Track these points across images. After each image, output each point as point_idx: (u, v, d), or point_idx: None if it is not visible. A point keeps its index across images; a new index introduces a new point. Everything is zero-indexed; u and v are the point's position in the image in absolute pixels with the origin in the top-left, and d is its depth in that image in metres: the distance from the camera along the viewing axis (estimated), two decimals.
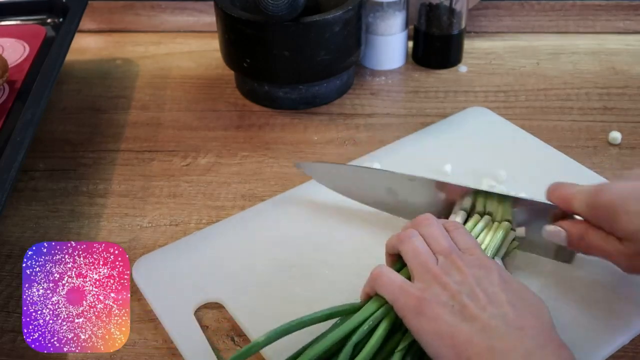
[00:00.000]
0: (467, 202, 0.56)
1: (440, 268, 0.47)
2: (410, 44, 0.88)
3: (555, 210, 0.52)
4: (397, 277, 0.47)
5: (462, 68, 0.86)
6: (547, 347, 0.42)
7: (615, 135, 0.72)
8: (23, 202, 0.67)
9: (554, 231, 0.52)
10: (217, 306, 0.55)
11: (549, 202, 0.53)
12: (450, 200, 0.57)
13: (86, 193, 0.68)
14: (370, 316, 0.47)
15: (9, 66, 0.70)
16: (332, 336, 0.46)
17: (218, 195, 0.67)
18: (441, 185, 0.57)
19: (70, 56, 0.74)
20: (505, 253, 0.54)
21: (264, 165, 0.71)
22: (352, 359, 0.45)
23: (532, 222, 0.54)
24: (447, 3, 0.82)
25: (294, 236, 0.60)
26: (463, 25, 0.84)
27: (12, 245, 0.62)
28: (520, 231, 0.55)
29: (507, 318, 0.43)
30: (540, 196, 0.54)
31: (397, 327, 0.47)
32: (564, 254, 0.55)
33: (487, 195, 0.55)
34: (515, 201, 0.54)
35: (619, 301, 0.53)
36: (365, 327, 0.46)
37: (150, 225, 0.64)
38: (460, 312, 0.43)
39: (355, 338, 0.46)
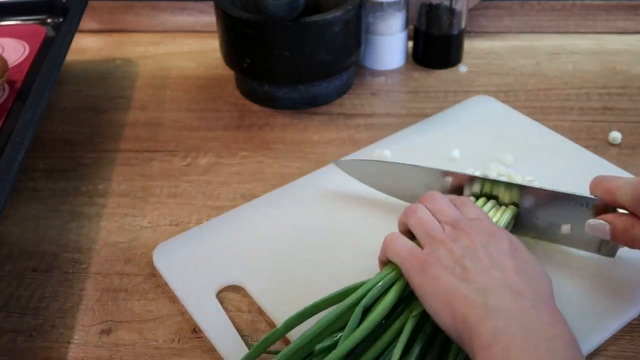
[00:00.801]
0: (505, 197, 0.56)
1: (447, 235, 0.48)
2: (410, 44, 0.88)
3: (598, 204, 0.52)
4: (407, 242, 0.49)
5: (462, 68, 0.86)
6: (542, 309, 0.42)
7: (615, 135, 0.72)
8: (23, 202, 0.67)
9: (597, 225, 0.51)
10: (237, 290, 0.56)
11: (591, 196, 0.52)
12: (483, 195, 0.58)
13: (86, 193, 0.68)
14: (380, 281, 0.48)
15: (9, 66, 0.70)
16: (345, 302, 0.47)
17: (218, 195, 0.67)
18: (475, 180, 0.57)
19: (70, 56, 0.73)
20: None
21: (264, 165, 0.71)
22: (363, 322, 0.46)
23: (574, 217, 0.54)
24: (447, 3, 0.82)
25: (312, 220, 0.61)
26: (463, 25, 0.84)
27: (12, 245, 0.62)
28: (566, 228, 0.55)
29: (507, 281, 0.44)
30: (549, 181, 0.55)
31: (411, 294, 0.47)
32: (607, 248, 0.54)
33: (526, 190, 0.55)
34: (556, 196, 0.54)
35: (611, 287, 0.54)
36: (375, 292, 0.47)
37: (150, 225, 0.64)
38: (461, 274, 0.45)
39: (365, 301, 0.47)
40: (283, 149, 0.73)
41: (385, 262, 0.50)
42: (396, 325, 0.47)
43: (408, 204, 0.60)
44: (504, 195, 0.56)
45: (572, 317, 0.51)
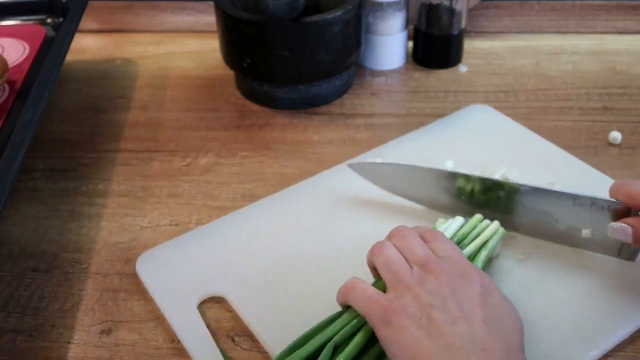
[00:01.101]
0: (523, 202, 0.56)
1: (414, 278, 0.46)
2: (410, 44, 0.88)
3: (619, 208, 0.52)
4: (368, 289, 0.46)
5: (462, 68, 0.86)
6: None
7: (615, 135, 0.72)
8: (23, 202, 0.67)
9: (619, 228, 0.51)
10: (218, 300, 0.55)
11: (612, 199, 0.52)
12: (502, 199, 0.57)
13: (86, 193, 0.68)
14: (347, 324, 0.46)
15: (9, 66, 0.70)
16: (313, 343, 0.46)
17: (218, 195, 0.67)
18: (497, 183, 0.57)
19: (70, 56, 0.73)
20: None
21: (264, 165, 0.71)
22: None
23: (594, 221, 0.54)
24: (447, 3, 0.82)
25: (296, 230, 0.60)
26: (463, 25, 0.84)
27: (12, 245, 0.62)
28: (587, 233, 0.54)
29: (474, 337, 0.42)
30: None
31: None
32: (627, 251, 0.54)
33: (545, 194, 0.55)
34: (577, 199, 0.53)
35: (619, 293, 0.54)
36: (346, 331, 0.46)
37: (150, 225, 0.64)
38: (427, 326, 0.43)
39: (336, 338, 0.46)
40: (283, 149, 0.73)
41: (343, 305, 0.48)
42: None
43: (421, 207, 0.61)
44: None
45: (583, 319, 0.51)
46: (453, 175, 0.58)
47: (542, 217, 0.56)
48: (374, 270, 0.50)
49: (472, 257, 0.53)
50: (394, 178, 0.61)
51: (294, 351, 0.46)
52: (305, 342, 0.46)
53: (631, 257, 0.55)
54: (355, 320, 0.46)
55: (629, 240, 0.50)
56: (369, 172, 0.62)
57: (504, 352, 0.42)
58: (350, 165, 0.63)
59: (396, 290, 0.45)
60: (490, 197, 0.57)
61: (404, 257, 0.48)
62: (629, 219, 0.51)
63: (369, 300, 0.45)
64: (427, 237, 0.50)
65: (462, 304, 0.44)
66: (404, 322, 0.43)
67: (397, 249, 0.49)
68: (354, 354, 0.45)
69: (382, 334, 0.44)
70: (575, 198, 0.54)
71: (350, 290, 0.47)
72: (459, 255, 0.48)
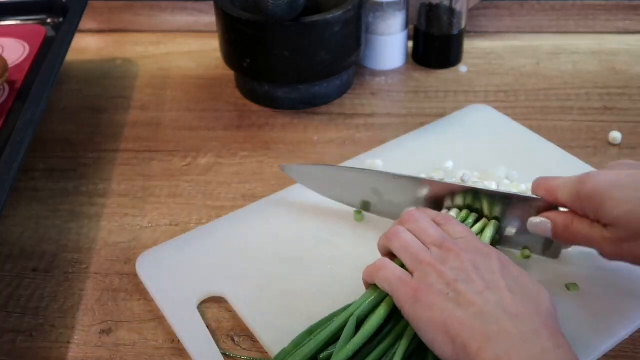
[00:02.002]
0: (455, 200, 0.56)
1: (434, 257, 0.47)
2: (410, 44, 0.88)
3: (540, 204, 0.52)
4: (397, 269, 0.47)
5: (462, 68, 0.86)
6: (542, 333, 0.41)
7: (615, 135, 0.72)
8: (23, 202, 0.67)
9: (539, 223, 0.52)
10: (218, 300, 0.55)
11: (534, 196, 0.53)
12: (436, 198, 0.57)
13: (86, 193, 0.68)
14: (371, 297, 0.47)
15: (9, 66, 0.70)
16: (336, 322, 0.47)
17: (218, 195, 0.67)
18: (427, 184, 0.57)
19: (70, 56, 0.73)
20: None
21: (264, 165, 0.71)
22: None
23: (519, 218, 0.54)
24: (447, 3, 0.82)
25: (295, 231, 0.60)
26: (463, 25, 0.84)
27: (12, 245, 0.62)
28: (510, 230, 0.55)
29: (503, 303, 0.43)
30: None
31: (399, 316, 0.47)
32: (550, 248, 0.55)
33: (475, 192, 0.55)
34: (501, 197, 0.54)
35: (620, 294, 0.53)
36: (367, 304, 0.47)
37: (150, 225, 0.64)
38: (455, 299, 0.43)
39: (359, 312, 0.46)
40: (283, 149, 0.73)
41: (371, 284, 0.49)
42: (389, 340, 0.46)
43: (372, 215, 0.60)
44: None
45: (583, 319, 0.51)
46: (378, 175, 0.58)
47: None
48: (388, 255, 0.50)
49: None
50: (323, 181, 0.61)
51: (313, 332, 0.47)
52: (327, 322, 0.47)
53: (555, 255, 0.55)
54: (375, 296, 0.47)
55: (549, 234, 0.51)
56: (301, 175, 0.62)
57: (535, 316, 0.43)
58: (282, 167, 0.63)
59: (419, 271, 0.46)
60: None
61: (419, 240, 0.49)
62: (549, 213, 0.51)
63: (398, 281, 0.46)
64: (439, 220, 0.51)
65: (485, 276, 0.45)
66: (432, 299, 0.44)
67: (411, 232, 0.50)
68: (376, 327, 0.46)
69: (411, 313, 0.44)
70: (501, 196, 0.54)
71: (379, 269, 0.47)
72: (473, 236, 0.49)
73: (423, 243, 0.48)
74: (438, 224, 0.51)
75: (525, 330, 0.41)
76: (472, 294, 0.43)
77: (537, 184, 0.53)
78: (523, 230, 0.54)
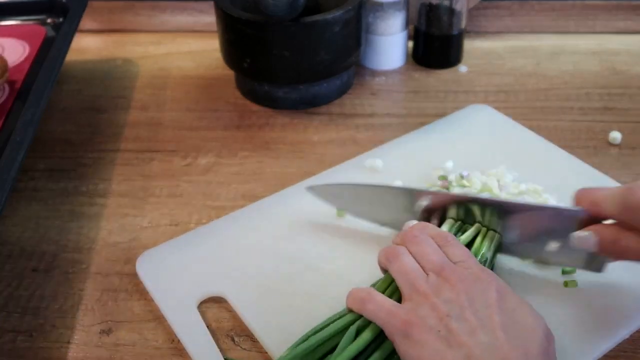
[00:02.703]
0: (460, 212, 0.55)
1: (430, 287, 0.46)
2: (410, 44, 0.88)
3: (582, 217, 0.50)
4: (386, 302, 0.46)
5: (462, 68, 0.86)
6: None
7: (615, 135, 0.72)
8: (23, 202, 0.67)
9: (584, 237, 0.49)
10: (218, 300, 0.55)
11: (576, 208, 0.50)
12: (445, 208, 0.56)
13: (86, 193, 0.68)
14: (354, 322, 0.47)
15: (9, 66, 0.70)
16: (338, 324, 0.47)
17: (218, 195, 0.67)
18: (444, 196, 0.55)
19: (70, 56, 0.73)
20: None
21: (264, 165, 0.71)
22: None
23: (559, 232, 0.51)
24: (447, 3, 0.82)
25: (295, 231, 0.60)
26: (463, 25, 0.84)
27: (12, 245, 0.62)
28: (553, 246, 0.52)
29: (493, 346, 0.42)
30: (544, 194, 0.53)
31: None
32: (594, 262, 0.52)
33: (503, 205, 0.52)
34: (542, 210, 0.51)
35: (619, 295, 0.53)
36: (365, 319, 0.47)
37: (150, 225, 0.64)
38: (447, 338, 0.42)
39: (359, 322, 0.46)
40: (283, 149, 0.73)
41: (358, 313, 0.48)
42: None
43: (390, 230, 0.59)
44: (485, 215, 0.53)
45: (582, 319, 0.51)
46: (412, 192, 0.56)
47: (504, 232, 0.53)
48: (384, 270, 0.50)
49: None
50: (352, 200, 0.59)
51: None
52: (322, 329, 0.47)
53: (599, 268, 0.52)
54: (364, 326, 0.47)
55: (595, 249, 0.48)
56: (328, 194, 0.60)
57: (524, 358, 0.41)
58: (308, 189, 0.61)
59: (413, 300, 0.45)
60: (451, 213, 0.55)
61: (419, 263, 0.48)
62: (594, 227, 0.49)
63: (387, 314, 0.45)
64: (439, 241, 0.50)
65: (479, 312, 0.44)
66: (423, 336, 0.43)
67: (412, 255, 0.49)
68: (377, 333, 0.46)
69: (401, 348, 0.44)
70: (538, 209, 0.51)
71: (366, 302, 0.46)
72: (472, 260, 0.48)
73: (422, 267, 0.47)
74: (439, 245, 0.49)
75: None
76: (463, 333, 0.42)
77: (580, 196, 0.50)
78: (564, 244, 0.51)
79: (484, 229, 0.54)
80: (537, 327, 0.44)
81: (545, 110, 0.78)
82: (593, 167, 0.66)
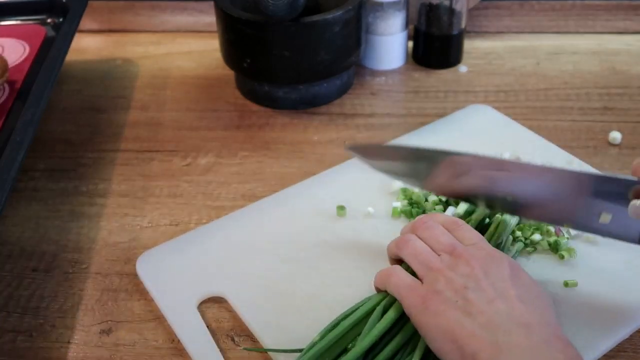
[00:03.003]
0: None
1: (445, 264, 0.46)
2: (410, 44, 0.88)
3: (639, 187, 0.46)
4: (407, 277, 0.47)
5: (462, 68, 0.86)
6: (553, 344, 0.41)
7: (615, 135, 0.72)
8: (23, 202, 0.67)
9: None
10: (218, 300, 0.55)
11: (635, 178, 0.47)
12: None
13: (86, 193, 0.68)
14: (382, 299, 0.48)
15: (9, 66, 0.70)
16: (345, 323, 0.47)
17: (218, 195, 0.67)
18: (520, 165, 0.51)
19: (70, 56, 0.73)
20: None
21: (264, 165, 0.71)
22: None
23: (613, 204, 0.48)
24: (447, 3, 0.82)
25: (295, 231, 0.60)
26: (463, 25, 0.84)
27: (12, 245, 0.62)
28: (606, 217, 0.49)
29: (513, 314, 0.42)
30: None
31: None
32: None
33: (557, 172, 0.49)
34: (596, 179, 0.48)
35: (622, 293, 0.53)
36: (391, 298, 0.47)
37: (150, 225, 0.64)
38: (464, 307, 0.43)
39: (385, 301, 0.47)
40: (283, 149, 0.73)
41: (380, 290, 0.49)
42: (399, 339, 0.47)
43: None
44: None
45: (582, 318, 0.51)
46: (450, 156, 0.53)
47: (558, 201, 0.50)
48: (397, 261, 0.50)
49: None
50: (390, 159, 0.57)
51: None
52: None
53: None
54: (387, 298, 0.48)
55: None
56: (366, 153, 0.58)
57: (545, 326, 0.42)
58: (346, 147, 0.58)
59: (429, 277, 0.46)
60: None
61: (430, 247, 0.48)
62: None
63: (407, 288, 0.46)
64: (449, 226, 0.50)
65: (495, 284, 0.44)
66: (440, 307, 0.43)
67: (423, 240, 0.49)
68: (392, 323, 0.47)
69: (419, 320, 0.44)
70: (592, 178, 0.48)
71: (390, 276, 0.47)
72: (484, 242, 0.49)
73: (434, 250, 0.48)
74: (448, 230, 0.50)
75: (537, 341, 0.41)
76: (481, 302, 0.43)
77: (638, 165, 0.47)
78: (618, 217, 0.48)
79: (498, 217, 0.54)
80: (550, 301, 0.45)
81: (545, 110, 0.78)
82: (593, 167, 0.66)
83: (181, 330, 0.52)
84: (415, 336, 0.46)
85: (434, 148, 0.54)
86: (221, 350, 0.51)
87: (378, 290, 0.49)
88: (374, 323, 0.46)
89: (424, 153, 0.54)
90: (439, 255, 0.48)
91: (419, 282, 0.46)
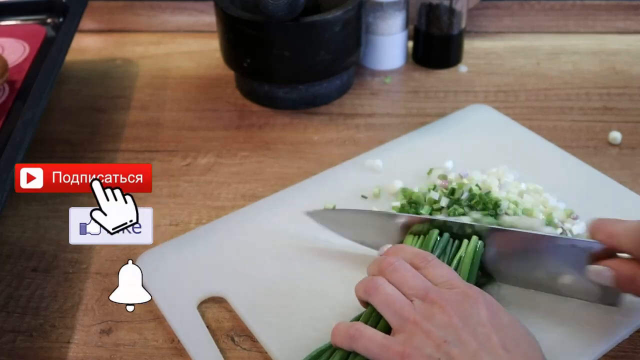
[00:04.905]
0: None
1: (419, 313, 0.43)
2: (410, 44, 0.88)
3: (599, 250, 0.48)
4: (376, 335, 0.44)
5: (462, 68, 0.86)
6: None
7: (615, 135, 0.72)
8: (23, 202, 0.67)
9: (600, 271, 0.47)
10: (218, 300, 0.55)
11: (591, 241, 0.48)
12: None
13: (86, 193, 0.68)
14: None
15: (9, 66, 0.70)
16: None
17: (218, 195, 0.67)
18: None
19: (70, 56, 0.73)
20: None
21: (264, 165, 0.71)
22: None
23: (574, 265, 0.49)
24: (447, 3, 0.82)
25: (295, 231, 0.60)
26: (463, 25, 0.84)
27: (12, 245, 0.62)
28: (567, 279, 0.50)
29: None
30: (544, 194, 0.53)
31: None
32: (610, 296, 0.50)
33: (519, 236, 0.50)
34: (554, 241, 0.49)
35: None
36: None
37: None
38: None
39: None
40: (283, 149, 0.73)
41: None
42: None
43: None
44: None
45: (582, 318, 0.51)
46: (405, 220, 0.53)
47: (510, 261, 0.51)
48: (364, 303, 0.48)
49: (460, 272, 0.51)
50: (348, 225, 0.57)
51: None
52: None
53: (614, 302, 0.50)
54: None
55: (611, 284, 0.47)
56: (326, 219, 0.58)
57: None
58: (308, 214, 0.58)
59: (404, 331, 0.43)
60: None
61: (400, 291, 0.46)
62: (610, 261, 0.47)
63: (381, 349, 0.43)
64: (419, 264, 0.47)
65: (476, 331, 0.42)
66: None
67: (392, 283, 0.46)
68: None
69: None
70: (553, 240, 0.49)
71: (356, 339, 0.44)
72: (456, 278, 0.46)
73: (405, 295, 0.45)
74: (417, 267, 0.47)
75: None
76: (465, 357, 0.40)
77: (596, 228, 0.47)
78: (577, 277, 0.50)
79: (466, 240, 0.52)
80: (532, 340, 0.43)
81: (545, 110, 0.78)
82: (593, 167, 0.66)
83: (181, 330, 0.52)
84: None
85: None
86: (221, 350, 0.51)
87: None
88: None
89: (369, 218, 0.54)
90: (411, 300, 0.45)
91: (392, 338, 0.43)
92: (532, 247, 0.50)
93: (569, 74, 0.84)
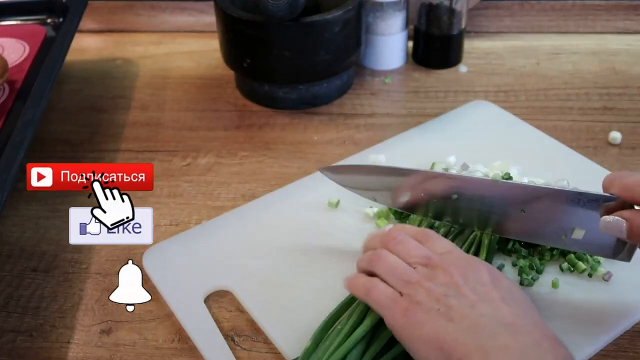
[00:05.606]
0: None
1: (422, 276, 0.45)
2: (410, 44, 0.88)
3: (612, 204, 0.48)
4: (387, 290, 0.46)
5: (462, 68, 0.86)
6: (543, 344, 0.40)
7: (615, 135, 0.72)
8: (23, 202, 0.67)
9: (613, 222, 0.46)
10: (219, 301, 0.55)
11: (606, 194, 0.48)
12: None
13: (86, 193, 0.68)
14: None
15: (9, 66, 0.70)
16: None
17: (218, 195, 0.67)
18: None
19: (70, 56, 0.73)
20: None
21: (264, 165, 0.71)
22: None
23: (587, 219, 0.49)
24: (447, 3, 0.82)
25: (300, 225, 0.61)
26: (463, 25, 0.84)
27: (12, 245, 0.62)
28: (579, 233, 0.50)
29: (497, 315, 0.41)
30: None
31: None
32: (624, 250, 0.50)
33: (526, 189, 0.50)
34: (568, 195, 0.49)
35: (617, 290, 0.53)
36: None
37: None
38: (447, 314, 0.42)
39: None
40: (283, 149, 0.73)
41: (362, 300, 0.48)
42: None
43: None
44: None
45: (582, 317, 0.51)
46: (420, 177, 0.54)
47: (526, 218, 0.51)
48: (369, 274, 0.49)
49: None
50: (362, 182, 0.57)
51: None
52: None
53: (627, 257, 0.50)
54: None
55: (624, 235, 0.46)
56: (341, 177, 0.58)
57: (531, 326, 0.41)
58: (321, 170, 0.59)
59: (409, 291, 0.45)
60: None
61: (404, 261, 0.47)
62: (624, 212, 0.47)
63: (388, 301, 0.45)
64: (420, 238, 0.49)
65: (476, 288, 0.43)
66: (422, 317, 0.43)
67: (395, 254, 0.48)
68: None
69: (401, 334, 0.43)
70: (563, 194, 0.49)
71: (372, 290, 0.46)
72: (457, 250, 0.48)
73: (409, 264, 0.47)
74: (420, 242, 0.49)
75: (524, 341, 0.40)
76: (464, 307, 0.42)
77: (610, 181, 0.48)
78: (592, 232, 0.49)
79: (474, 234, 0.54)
80: (531, 303, 0.44)
81: (545, 110, 0.78)
82: (594, 164, 0.66)
83: (189, 324, 0.52)
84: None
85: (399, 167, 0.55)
86: (228, 344, 0.51)
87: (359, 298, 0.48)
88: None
89: (389, 171, 0.55)
90: (414, 268, 0.46)
91: (399, 296, 0.45)
92: (545, 202, 0.50)
93: (569, 74, 0.84)
